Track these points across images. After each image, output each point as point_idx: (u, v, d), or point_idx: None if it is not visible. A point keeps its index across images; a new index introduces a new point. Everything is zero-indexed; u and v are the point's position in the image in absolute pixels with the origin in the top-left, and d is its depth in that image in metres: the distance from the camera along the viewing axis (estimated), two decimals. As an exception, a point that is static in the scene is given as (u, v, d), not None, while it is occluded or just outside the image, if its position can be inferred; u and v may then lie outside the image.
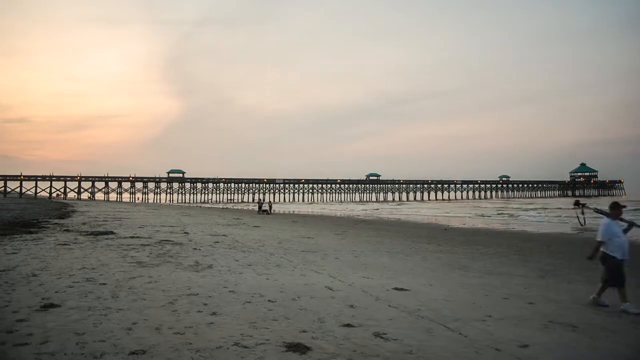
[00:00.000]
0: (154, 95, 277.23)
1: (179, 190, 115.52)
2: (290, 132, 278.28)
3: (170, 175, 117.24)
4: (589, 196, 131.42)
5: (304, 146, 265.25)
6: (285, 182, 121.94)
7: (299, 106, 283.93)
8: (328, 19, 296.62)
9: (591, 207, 7.71)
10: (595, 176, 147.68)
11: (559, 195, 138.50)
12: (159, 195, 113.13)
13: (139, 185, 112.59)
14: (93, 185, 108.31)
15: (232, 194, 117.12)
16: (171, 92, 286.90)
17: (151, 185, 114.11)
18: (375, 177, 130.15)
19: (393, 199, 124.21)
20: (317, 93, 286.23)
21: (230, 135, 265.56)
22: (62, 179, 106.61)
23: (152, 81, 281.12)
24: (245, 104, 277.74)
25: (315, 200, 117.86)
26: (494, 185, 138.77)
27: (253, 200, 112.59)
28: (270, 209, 40.74)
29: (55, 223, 19.58)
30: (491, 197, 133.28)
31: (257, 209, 42.08)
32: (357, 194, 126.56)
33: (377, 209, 62.65)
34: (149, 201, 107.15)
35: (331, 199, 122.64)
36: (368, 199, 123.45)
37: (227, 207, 65.50)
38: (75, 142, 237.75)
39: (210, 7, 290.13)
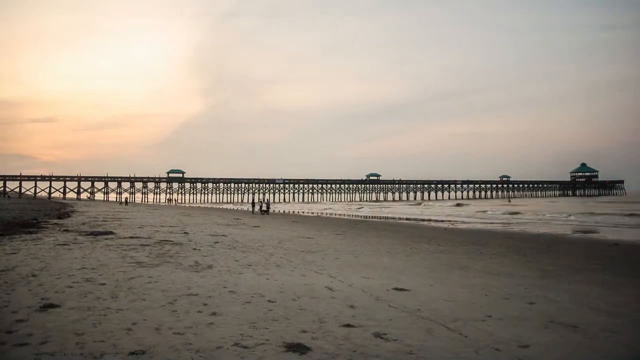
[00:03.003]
0: (179, 93, 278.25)
1: (178, 190, 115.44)
2: (309, 130, 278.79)
3: (170, 175, 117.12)
4: (590, 196, 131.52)
5: (323, 144, 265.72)
6: (285, 182, 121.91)
7: (322, 104, 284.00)
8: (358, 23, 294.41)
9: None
10: (596, 176, 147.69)
11: (560, 195, 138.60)
12: (158, 195, 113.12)
13: (138, 185, 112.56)
14: (92, 186, 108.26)
15: (232, 194, 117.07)
16: (196, 90, 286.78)
17: (151, 185, 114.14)
18: (375, 177, 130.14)
19: (393, 199, 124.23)
20: (341, 91, 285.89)
21: (249, 133, 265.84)
22: (61, 179, 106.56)
23: (178, 80, 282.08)
24: (268, 103, 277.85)
25: (316, 200, 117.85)
26: (494, 185, 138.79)
27: (252, 200, 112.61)
28: (268, 209, 38.82)
29: (55, 223, 19.57)
30: (491, 197, 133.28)
31: (252, 209, 40.18)
32: (357, 193, 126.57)
33: (361, 207, 62.92)
34: (149, 201, 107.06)
35: (331, 199, 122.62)
36: (368, 199, 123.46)
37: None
38: (94, 142, 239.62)
39: (239, 3, 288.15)
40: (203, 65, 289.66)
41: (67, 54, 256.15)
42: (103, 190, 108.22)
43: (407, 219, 38.40)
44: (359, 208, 68.11)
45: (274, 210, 41.67)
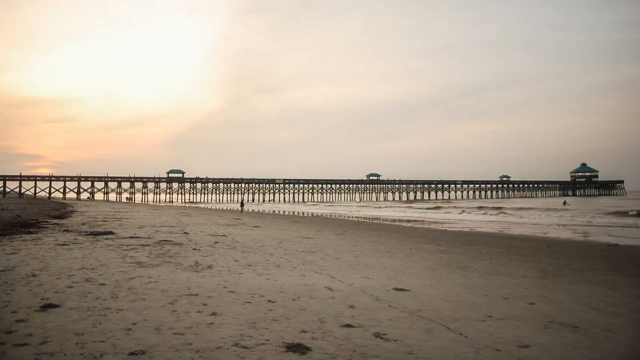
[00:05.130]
0: (197, 92, 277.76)
1: (178, 190, 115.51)
2: (325, 129, 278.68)
3: (170, 175, 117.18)
4: (590, 196, 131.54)
5: (339, 143, 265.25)
6: (285, 182, 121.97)
7: (339, 103, 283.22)
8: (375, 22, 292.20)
9: None
10: (596, 176, 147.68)
11: (560, 195, 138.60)
12: (158, 195, 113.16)
13: (138, 185, 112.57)
14: (92, 186, 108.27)
15: (232, 194, 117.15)
16: (214, 89, 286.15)
17: (151, 185, 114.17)
18: (375, 177, 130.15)
19: (393, 199, 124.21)
20: (358, 91, 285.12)
21: (266, 132, 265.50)
22: (61, 179, 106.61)
23: (196, 78, 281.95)
24: (286, 102, 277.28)
25: (316, 200, 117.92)
26: (494, 185, 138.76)
27: (253, 200, 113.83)
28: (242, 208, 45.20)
29: (55, 223, 19.56)
30: (491, 197, 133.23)
31: (240, 208, 46.58)
32: (357, 194, 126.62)
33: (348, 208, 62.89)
34: (149, 201, 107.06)
35: (331, 199, 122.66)
36: (368, 199, 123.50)
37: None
38: (109, 142, 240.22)
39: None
40: (222, 64, 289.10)
41: (83, 54, 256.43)
42: (103, 190, 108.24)
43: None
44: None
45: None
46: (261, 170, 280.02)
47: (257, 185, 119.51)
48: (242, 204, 47.83)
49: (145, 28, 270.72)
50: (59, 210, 33.31)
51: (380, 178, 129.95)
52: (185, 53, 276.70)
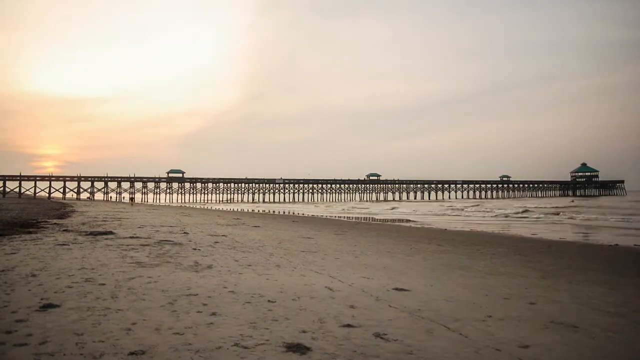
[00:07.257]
0: (213, 92, 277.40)
1: (178, 190, 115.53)
2: (339, 129, 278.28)
3: (170, 175, 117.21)
4: (590, 196, 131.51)
5: (345, 143, 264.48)
6: (285, 182, 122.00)
7: (351, 103, 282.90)
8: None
9: None
10: (596, 176, 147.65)
11: (560, 195, 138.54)
12: (158, 195, 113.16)
13: (138, 185, 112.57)
14: (92, 186, 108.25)
15: (232, 194, 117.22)
16: (229, 88, 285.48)
17: (150, 185, 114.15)
18: (375, 177, 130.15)
19: (393, 199, 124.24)
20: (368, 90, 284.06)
21: (281, 131, 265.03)
22: (61, 179, 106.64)
23: (213, 77, 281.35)
24: (303, 100, 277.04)
25: (316, 200, 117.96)
26: (494, 186, 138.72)
27: (253, 200, 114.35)
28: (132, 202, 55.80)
29: (55, 223, 19.56)
30: (491, 197, 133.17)
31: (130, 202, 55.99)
32: (357, 194, 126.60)
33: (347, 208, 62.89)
34: (148, 201, 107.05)
35: (331, 199, 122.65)
36: (368, 199, 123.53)
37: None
38: (123, 142, 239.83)
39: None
40: (237, 62, 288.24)
41: (103, 55, 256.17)
42: (103, 190, 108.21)
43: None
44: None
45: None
46: (268, 170, 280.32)
47: (257, 185, 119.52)
48: (132, 199, 54.57)
49: (166, 29, 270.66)
50: (59, 210, 33.32)
51: (381, 178, 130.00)
52: (202, 52, 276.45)
